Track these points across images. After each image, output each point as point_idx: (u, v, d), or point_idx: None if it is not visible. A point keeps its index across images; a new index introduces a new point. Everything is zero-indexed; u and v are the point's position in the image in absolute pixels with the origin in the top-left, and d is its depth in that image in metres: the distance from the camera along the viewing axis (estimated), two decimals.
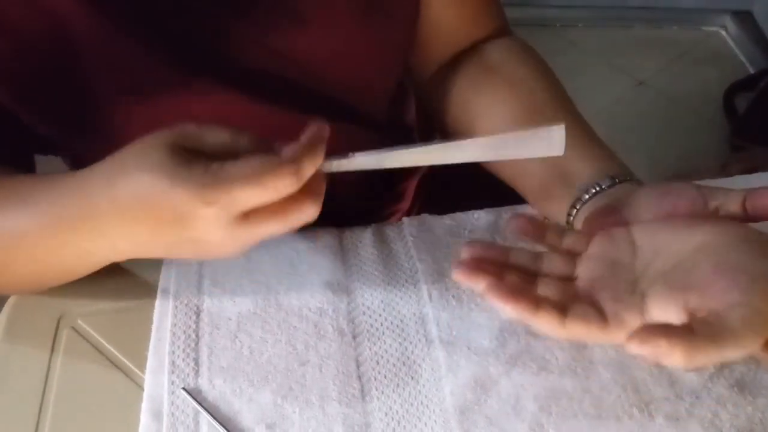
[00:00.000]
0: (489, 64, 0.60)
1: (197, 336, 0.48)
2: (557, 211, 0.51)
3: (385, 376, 0.46)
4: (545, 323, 0.38)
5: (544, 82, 0.59)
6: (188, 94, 0.50)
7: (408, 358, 0.47)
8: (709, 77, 1.71)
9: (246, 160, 0.36)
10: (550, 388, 0.45)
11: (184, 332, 0.48)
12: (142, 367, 0.47)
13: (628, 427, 0.43)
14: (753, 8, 1.85)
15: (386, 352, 0.48)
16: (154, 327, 0.49)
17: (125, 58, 0.48)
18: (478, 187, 0.60)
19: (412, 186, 0.73)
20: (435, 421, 0.44)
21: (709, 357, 0.34)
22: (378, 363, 0.47)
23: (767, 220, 0.42)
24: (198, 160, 0.36)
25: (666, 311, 0.37)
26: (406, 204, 0.73)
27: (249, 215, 0.37)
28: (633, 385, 0.45)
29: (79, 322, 0.50)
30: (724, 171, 0.91)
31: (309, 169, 0.37)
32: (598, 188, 0.49)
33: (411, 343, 0.48)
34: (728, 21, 1.84)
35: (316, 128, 0.38)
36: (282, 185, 0.36)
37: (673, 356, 0.34)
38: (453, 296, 0.50)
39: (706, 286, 0.37)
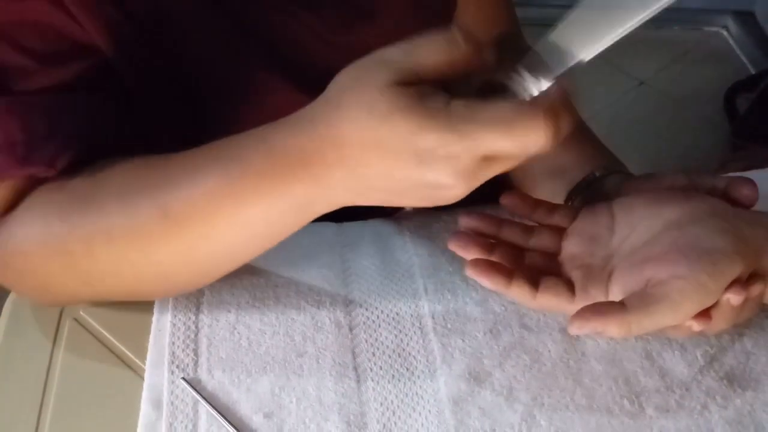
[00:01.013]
0: None
1: (197, 327, 0.49)
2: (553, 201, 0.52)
3: (381, 368, 0.47)
4: (517, 295, 0.43)
5: None
6: (257, 90, 0.51)
7: (403, 350, 0.48)
8: (710, 77, 1.72)
9: (497, 106, 0.33)
10: (542, 380, 0.46)
11: (184, 324, 0.49)
12: (143, 358, 0.48)
13: (619, 419, 0.44)
14: (755, 8, 1.86)
15: (382, 344, 0.49)
16: (154, 318, 0.50)
17: (203, 41, 0.48)
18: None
19: None
20: (429, 411, 0.45)
21: (643, 326, 0.39)
22: (374, 354, 0.48)
23: (746, 208, 0.43)
24: (432, 94, 0.33)
25: (626, 285, 0.40)
26: None
27: (488, 159, 0.34)
28: (624, 377, 0.46)
29: (82, 313, 0.51)
30: (721, 171, 0.92)
31: (566, 127, 0.33)
32: (591, 179, 0.51)
33: (406, 335, 0.49)
34: (730, 21, 1.85)
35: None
36: (533, 141, 0.33)
37: (609, 332, 0.38)
38: (448, 290, 0.51)
39: (660, 260, 0.40)
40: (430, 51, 0.34)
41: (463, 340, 0.48)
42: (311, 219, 0.41)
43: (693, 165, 1.50)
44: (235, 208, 0.39)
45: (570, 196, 0.52)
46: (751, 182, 0.44)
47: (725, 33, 1.85)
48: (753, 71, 1.73)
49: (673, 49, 1.80)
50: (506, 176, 0.57)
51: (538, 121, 0.32)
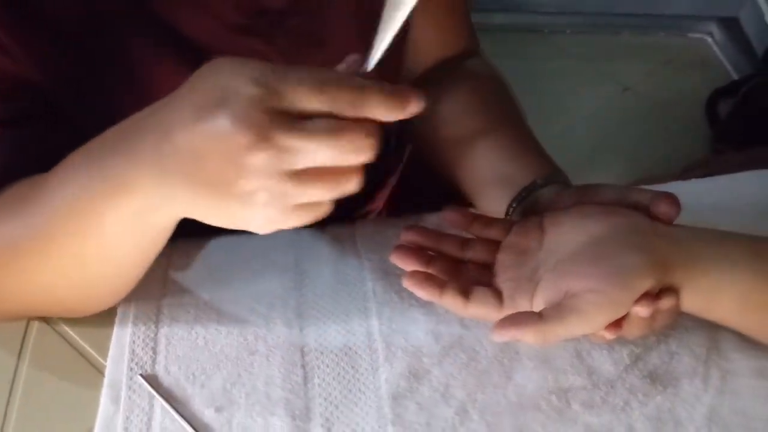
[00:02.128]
0: (459, 79, 0.64)
1: (157, 327, 0.52)
2: (498, 208, 0.55)
3: (327, 365, 0.50)
4: (449, 304, 0.46)
5: (500, 96, 0.65)
6: None
7: (350, 348, 0.51)
8: (694, 83, 1.74)
9: (310, 67, 0.34)
10: (477, 377, 0.49)
11: (145, 323, 0.52)
12: (105, 355, 0.51)
13: (546, 414, 0.47)
14: (739, 15, 1.88)
15: (330, 343, 0.52)
16: (117, 318, 0.53)
17: (153, 72, 0.49)
18: (445, 194, 0.64)
19: (386, 192, 0.77)
20: (370, 406, 0.48)
21: (557, 335, 0.42)
22: (322, 353, 0.51)
23: (666, 224, 0.46)
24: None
25: (548, 297, 0.43)
26: (379, 204, 0.77)
27: (300, 173, 0.34)
28: (554, 375, 0.49)
29: None
30: (681, 177, 0.94)
31: (375, 97, 0.34)
32: (531, 188, 0.54)
33: (354, 335, 0.52)
34: (714, 28, 1.87)
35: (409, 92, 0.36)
36: (342, 95, 0.33)
37: (527, 339, 0.41)
38: (395, 292, 0.54)
39: (577, 274, 0.43)
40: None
41: (406, 340, 0.51)
42: (158, 231, 0.42)
43: (673, 170, 1.52)
44: (75, 225, 0.41)
45: (512, 203, 0.55)
46: (671, 199, 0.46)
47: (710, 39, 1.87)
48: (736, 77, 1.76)
49: (658, 55, 1.82)
50: (454, 185, 0.60)
51: (348, 80, 0.34)
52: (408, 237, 0.51)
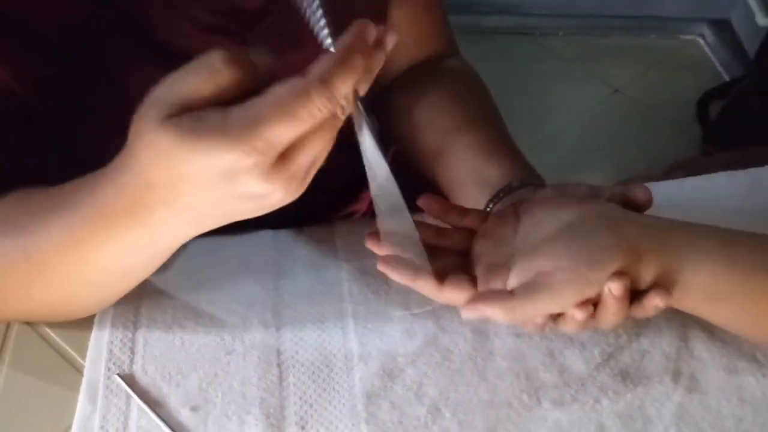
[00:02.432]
0: (436, 80, 0.65)
1: (135, 327, 0.53)
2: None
3: (303, 365, 0.51)
4: (424, 288, 0.45)
5: (477, 96, 0.65)
6: None
7: (325, 348, 0.52)
8: (686, 85, 1.75)
9: (270, 93, 0.34)
10: (450, 376, 0.50)
11: (123, 324, 0.53)
12: (84, 355, 0.52)
13: (517, 411, 0.48)
14: (731, 16, 1.89)
15: (306, 342, 0.52)
16: (96, 319, 0.53)
17: (132, 74, 0.50)
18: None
19: (369, 192, 0.78)
20: (344, 405, 0.49)
21: (527, 311, 0.41)
22: (297, 353, 0.52)
23: (641, 211, 0.46)
24: (207, 113, 0.34)
25: (521, 278, 0.43)
26: (363, 205, 0.78)
27: (286, 155, 0.35)
28: (526, 374, 0.50)
29: None
30: (664, 177, 0.95)
31: (342, 87, 0.34)
32: (508, 190, 0.54)
33: (329, 335, 0.53)
34: (706, 29, 1.88)
35: (356, 30, 0.35)
36: (317, 110, 0.33)
37: (496, 316, 0.41)
38: (372, 292, 0.55)
39: (548, 254, 0.43)
40: (192, 82, 0.35)
41: (381, 339, 0.52)
42: (164, 253, 0.44)
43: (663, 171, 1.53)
44: (82, 255, 0.42)
45: (488, 205, 0.55)
46: (644, 188, 0.47)
47: (701, 41, 1.88)
48: (728, 79, 1.77)
49: (649, 57, 1.83)
50: (432, 184, 0.61)
51: (313, 91, 0.33)
52: None
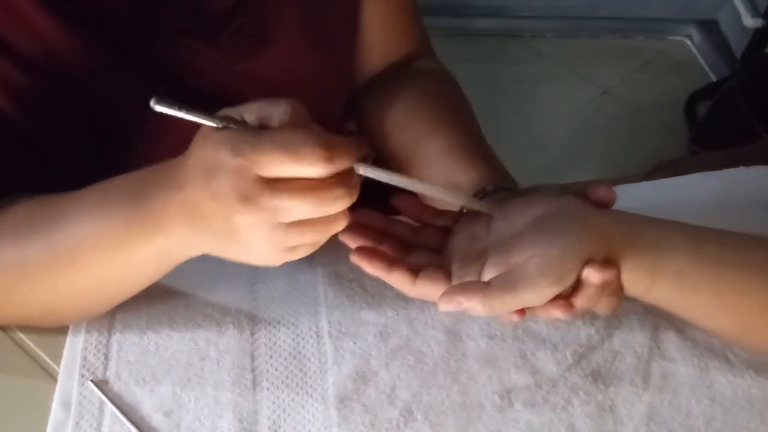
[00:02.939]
0: (409, 82, 0.65)
1: (109, 333, 0.53)
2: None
3: (276, 369, 0.51)
4: (397, 281, 0.46)
5: (451, 98, 0.65)
6: (163, 122, 0.55)
7: (299, 352, 0.52)
8: (673, 86, 1.75)
9: (280, 129, 0.38)
10: (423, 379, 0.50)
11: (98, 330, 0.53)
12: (59, 362, 0.52)
13: (489, 413, 0.48)
14: (718, 17, 1.89)
15: (280, 347, 0.52)
16: (71, 325, 0.53)
17: (106, 82, 0.51)
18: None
19: None
20: (317, 409, 0.49)
21: (506, 303, 0.41)
22: (271, 357, 0.52)
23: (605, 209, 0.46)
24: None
25: (495, 272, 0.43)
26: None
27: (274, 185, 0.38)
28: (498, 375, 0.50)
29: None
30: (647, 178, 0.96)
31: (341, 154, 0.38)
32: (482, 195, 0.54)
33: (303, 338, 0.53)
34: (693, 30, 1.89)
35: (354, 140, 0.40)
36: (314, 157, 0.37)
37: (475, 308, 0.41)
38: (346, 296, 0.55)
39: (521, 246, 0.43)
40: (280, 162, 0.38)
41: (355, 343, 0.52)
42: (175, 264, 0.47)
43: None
44: (105, 255, 0.45)
45: (462, 209, 0.56)
46: (606, 187, 0.47)
47: (689, 42, 1.88)
48: (715, 79, 1.77)
49: (637, 58, 1.83)
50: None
51: (316, 141, 0.37)
52: (358, 218, 0.49)
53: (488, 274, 0.44)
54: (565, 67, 1.81)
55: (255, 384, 0.50)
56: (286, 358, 0.52)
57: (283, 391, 0.50)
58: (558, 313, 0.43)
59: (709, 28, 1.89)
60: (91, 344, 0.52)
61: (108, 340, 0.52)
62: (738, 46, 1.78)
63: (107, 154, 0.55)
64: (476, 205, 0.44)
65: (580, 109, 1.72)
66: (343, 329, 0.53)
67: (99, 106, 0.52)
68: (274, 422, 0.48)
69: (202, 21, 0.52)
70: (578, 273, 0.42)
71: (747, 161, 0.67)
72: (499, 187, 0.55)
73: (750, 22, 1.65)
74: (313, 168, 0.37)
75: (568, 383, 0.49)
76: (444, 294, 0.42)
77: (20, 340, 0.53)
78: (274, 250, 0.40)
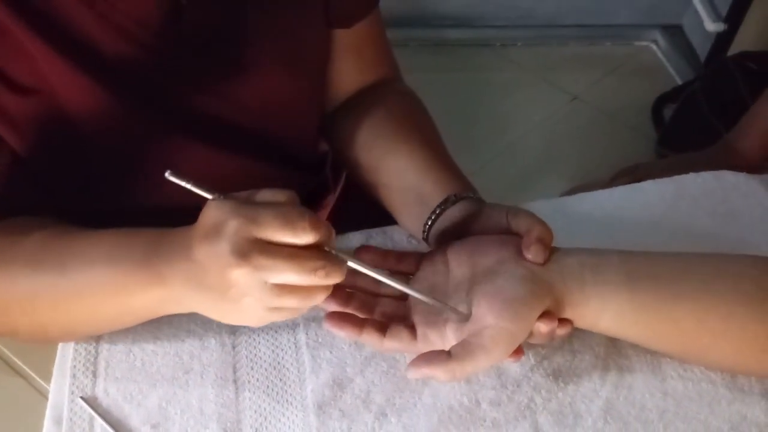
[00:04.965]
0: (376, 104, 0.68)
1: (97, 351, 0.55)
2: (417, 226, 0.60)
3: (258, 379, 0.54)
4: (367, 341, 0.51)
5: (415, 117, 0.69)
6: (140, 141, 0.58)
7: (279, 363, 0.55)
8: (641, 90, 1.80)
9: (280, 204, 0.44)
10: (396, 384, 0.53)
11: (86, 349, 0.56)
12: (49, 380, 0.54)
13: (458, 413, 0.51)
14: (683, 22, 1.95)
15: (260, 358, 0.55)
16: (60, 344, 0.56)
17: (98, 111, 0.55)
18: (385, 213, 0.68)
19: (326, 212, 0.81)
20: (296, 416, 0.52)
21: (466, 371, 0.47)
22: (252, 368, 0.55)
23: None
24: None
25: (457, 333, 0.48)
26: (324, 213, 0.81)
27: (264, 246, 0.42)
28: (466, 378, 0.53)
29: None
30: (610, 184, 1.00)
31: (326, 234, 0.43)
32: (443, 207, 0.58)
33: (282, 349, 0.56)
34: (659, 35, 1.94)
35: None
36: (302, 229, 0.42)
37: (438, 376, 0.47)
38: (322, 309, 0.58)
39: (477, 316, 0.48)
40: (273, 229, 0.43)
41: (331, 352, 0.55)
42: (164, 314, 0.51)
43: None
44: (109, 296, 0.49)
45: (427, 221, 0.59)
46: (539, 243, 0.50)
47: (654, 47, 1.94)
48: (681, 83, 1.83)
49: (605, 64, 1.89)
50: (381, 203, 0.64)
51: (308, 216, 0.43)
52: None
53: (451, 334, 0.49)
54: (535, 74, 1.86)
55: (237, 394, 0.53)
56: (266, 369, 0.55)
57: (264, 400, 0.53)
58: (510, 360, 0.51)
59: (674, 32, 1.94)
60: (80, 362, 0.55)
61: (96, 358, 0.55)
62: (702, 49, 1.84)
63: (99, 176, 0.58)
64: (453, 312, 0.49)
65: (550, 114, 1.76)
66: (320, 339, 0.56)
67: (91, 130, 0.55)
68: (256, 430, 0.51)
69: (174, 42, 0.55)
70: (529, 330, 0.48)
71: (700, 166, 0.71)
72: (460, 197, 0.58)
73: (711, 26, 1.70)
74: (301, 238, 0.42)
75: (531, 382, 0.53)
76: (411, 364, 0.48)
77: (9, 359, 0.56)
78: (260, 308, 0.44)
